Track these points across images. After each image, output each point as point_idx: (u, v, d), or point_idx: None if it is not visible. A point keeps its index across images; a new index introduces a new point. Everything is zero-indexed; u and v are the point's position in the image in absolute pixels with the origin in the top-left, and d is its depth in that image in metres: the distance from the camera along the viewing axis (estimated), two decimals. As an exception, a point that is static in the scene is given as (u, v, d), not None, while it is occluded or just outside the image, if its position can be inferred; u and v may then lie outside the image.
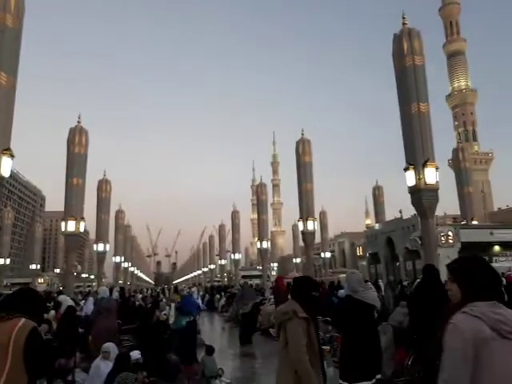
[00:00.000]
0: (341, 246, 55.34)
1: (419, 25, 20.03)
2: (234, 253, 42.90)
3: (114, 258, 38.11)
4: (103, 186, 28.55)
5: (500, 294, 1.94)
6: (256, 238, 38.67)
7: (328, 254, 49.11)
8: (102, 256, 27.75)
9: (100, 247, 27.36)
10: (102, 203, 28.37)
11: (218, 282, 51.31)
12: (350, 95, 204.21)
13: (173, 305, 15.75)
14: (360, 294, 4.31)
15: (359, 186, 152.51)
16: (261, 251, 33.04)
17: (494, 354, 1.71)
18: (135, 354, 6.41)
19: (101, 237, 27.60)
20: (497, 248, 24.66)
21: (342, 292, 10.57)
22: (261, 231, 33.12)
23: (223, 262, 52.18)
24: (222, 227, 51.67)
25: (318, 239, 40.24)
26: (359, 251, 34.60)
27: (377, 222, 36.01)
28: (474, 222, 29.99)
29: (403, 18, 17.72)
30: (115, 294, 14.74)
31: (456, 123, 48.69)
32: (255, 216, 49.95)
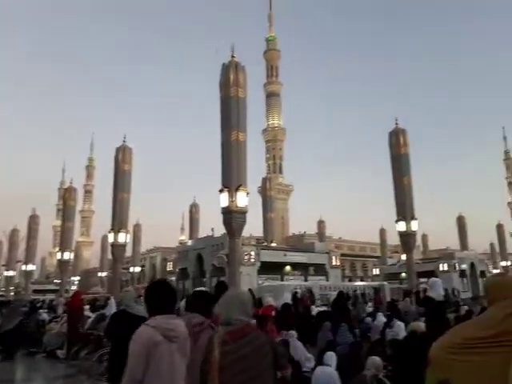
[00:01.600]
0: (152, 261, 54.47)
1: (249, 62, 21.91)
2: (26, 263, 37.51)
3: None
4: None
5: (173, 309, 2.75)
6: (57, 248, 34.72)
7: (138, 269, 47.72)
8: None
9: None
10: None
11: (1, 296, 43.65)
12: (172, 119, 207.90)
13: None
14: (133, 308, 4.76)
15: (179, 202, 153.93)
16: (61, 263, 29.83)
17: (162, 353, 2.50)
18: None
19: None
20: (288, 268, 28.38)
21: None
22: (64, 240, 29.99)
23: (11, 273, 44.99)
24: (14, 232, 44.66)
25: (129, 252, 38.79)
26: (170, 266, 34.78)
27: (190, 239, 37.04)
28: (273, 244, 33.96)
29: (232, 51, 19.24)
30: None
31: (267, 156, 54.66)
32: (59, 223, 44.84)
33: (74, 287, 48.40)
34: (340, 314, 11.79)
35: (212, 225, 32.76)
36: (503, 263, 51.20)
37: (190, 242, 35.28)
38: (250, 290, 16.19)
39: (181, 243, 47.62)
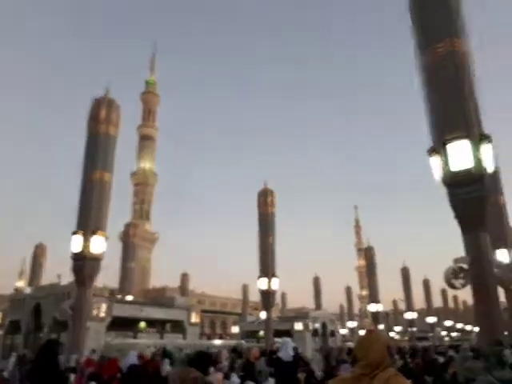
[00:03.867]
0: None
1: (126, 103, 21.12)
2: None
3: None
4: None
5: None
6: None
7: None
8: None
9: None
10: None
11: None
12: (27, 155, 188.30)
13: None
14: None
15: (20, 242, 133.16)
16: None
17: None
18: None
19: None
20: (143, 324, 26.14)
21: None
22: None
23: None
24: None
25: None
26: (-2, 318, 29.07)
27: (30, 285, 31.96)
28: (129, 297, 31.31)
29: (107, 89, 18.30)
30: None
31: (135, 200, 52.21)
32: None
33: None
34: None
35: (60, 271, 28.96)
36: (350, 323, 56.05)
37: (28, 290, 30.34)
38: (93, 350, 14.18)
39: (16, 290, 40.79)
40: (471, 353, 10.73)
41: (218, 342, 30.15)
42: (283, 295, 55.70)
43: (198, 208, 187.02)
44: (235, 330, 41.73)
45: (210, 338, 41.50)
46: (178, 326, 28.46)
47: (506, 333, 11.19)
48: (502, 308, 13.27)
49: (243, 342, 27.49)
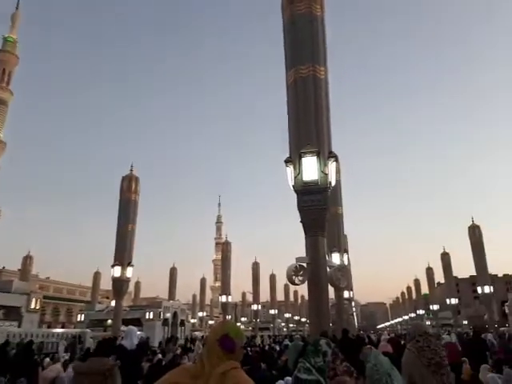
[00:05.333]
0: None
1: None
2: None
3: None
4: None
5: None
6: None
7: None
8: None
9: None
10: None
11: None
12: None
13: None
14: None
15: None
16: None
17: None
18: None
19: None
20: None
21: None
22: None
23: None
24: None
25: None
26: None
27: None
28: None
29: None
30: None
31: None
32: None
33: None
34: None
35: None
36: (200, 313, 57.55)
37: None
38: None
39: None
40: (302, 342, 12.25)
41: (58, 330, 27.92)
42: (137, 284, 54.30)
43: (56, 185, 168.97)
44: (81, 318, 39.18)
45: (50, 326, 38.20)
46: (12, 313, 25.57)
47: (331, 325, 13.03)
48: (330, 304, 15.41)
49: (88, 330, 26.04)
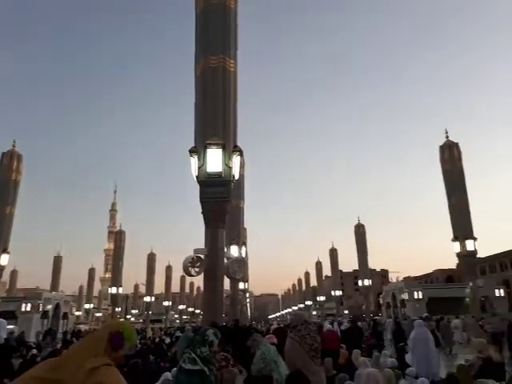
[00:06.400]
0: None
1: None
2: None
3: None
4: None
5: None
6: None
7: None
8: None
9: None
10: None
11: None
12: None
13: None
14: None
15: None
16: None
17: None
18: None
19: None
20: None
21: None
22: None
23: None
24: None
25: None
26: None
27: None
28: None
29: None
30: None
31: None
32: None
33: None
34: None
35: None
36: (87, 305, 54.04)
37: None
38: None
39: None
40: (192, 333, 12.21)
41: None
42: (14, 273, 48.81)
43: None
44: None
45: None
46: None
47: (224, 316, 13.18)
48: (225, 295, 15.60)
49: None
